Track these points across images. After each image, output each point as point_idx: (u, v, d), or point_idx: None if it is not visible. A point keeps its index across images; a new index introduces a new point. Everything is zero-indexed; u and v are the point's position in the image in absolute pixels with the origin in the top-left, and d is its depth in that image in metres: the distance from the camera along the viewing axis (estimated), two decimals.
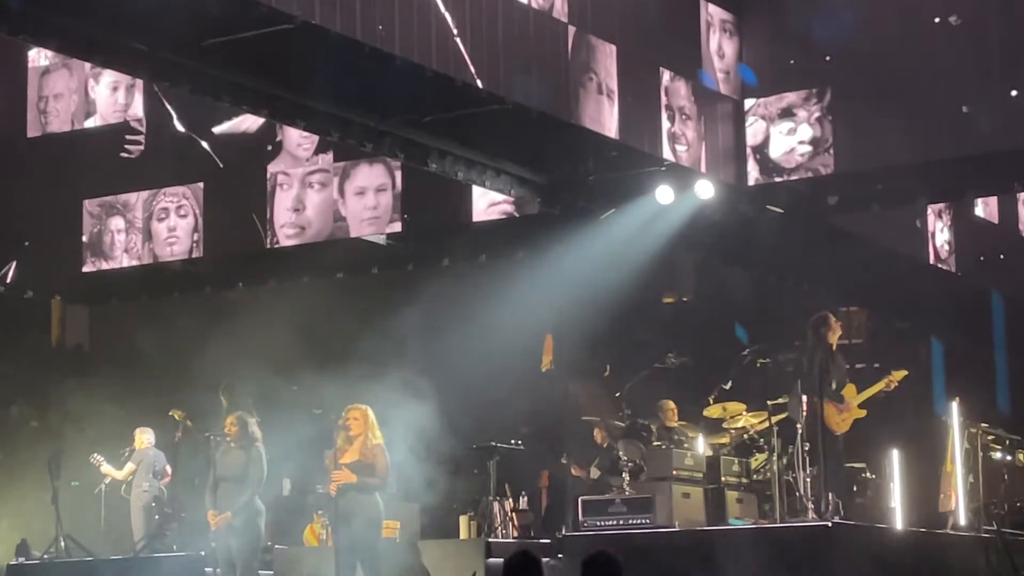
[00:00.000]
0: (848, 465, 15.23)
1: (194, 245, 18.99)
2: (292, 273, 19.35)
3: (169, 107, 18.65)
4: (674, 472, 14.69)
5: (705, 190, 16.67)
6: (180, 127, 18.62)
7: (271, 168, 18.64)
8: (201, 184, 18.97)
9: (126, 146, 18.97)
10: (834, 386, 14.77)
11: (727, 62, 17.23)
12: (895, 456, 15.44)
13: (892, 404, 15.66)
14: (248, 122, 18.37)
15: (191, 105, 17.97)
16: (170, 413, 18.41)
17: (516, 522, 16.25)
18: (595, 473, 16.42)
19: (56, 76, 19.09)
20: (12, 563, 16.86)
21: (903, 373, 15.25)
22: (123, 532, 18.21)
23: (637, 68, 16.28)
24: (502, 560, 13.90)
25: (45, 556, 17.17)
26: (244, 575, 13.95)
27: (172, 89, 14.97)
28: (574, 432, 17.22)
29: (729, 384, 15.94)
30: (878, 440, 15.71)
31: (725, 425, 16.08)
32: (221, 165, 18.63)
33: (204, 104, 16.19)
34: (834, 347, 14.95)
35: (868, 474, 15.69)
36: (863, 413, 14.90)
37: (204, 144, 18.62)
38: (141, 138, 18.92)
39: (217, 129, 18.59)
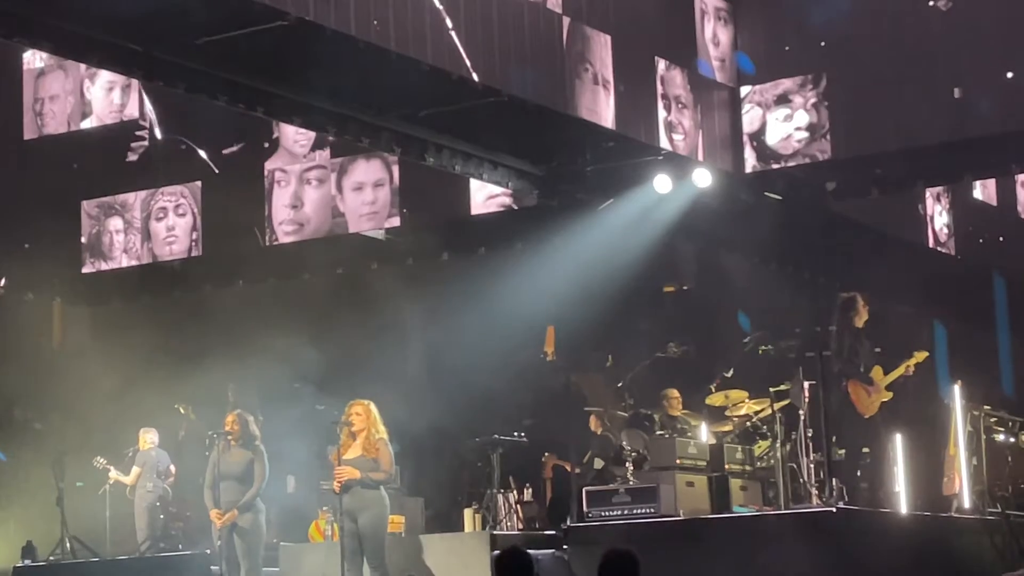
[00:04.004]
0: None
1: (193, 244, 18.99)
2: (291, 270, 19.35)
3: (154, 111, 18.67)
4: (677, 461, 14.70)
5: (703, 178, 16.67)
6: (175, 130, 18.61)
7: (268, 165, 18.63)
8: (199, 183, 18.97)
9: (131, 144, 18.96)
10: (862, 368, 14.89)
11: (722, 50, 17.22)
12: (899, 440, 15.45)
13: (896, 388, 15.68)
14: None
15: (185, 109, 17.95)
16: (175, 406, 18.48)
17: (521, 514, 16.26)
18: (598, 464, 16.43)
19: (51, 78, 19.07)
20: (18, 565, 16.88)
21: (924, 355, 15.30)
22: (128, 532, 18.24)
23: (632, 58, 16.27)
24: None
25: (51, 558, 17.20)
26: (250, 573, 13.97)
27: (166, 90, 14.91)
28: (577, 423, 17.22)
29: (731, 372, 15.96)
30: (882, 424, 15.72)
31: (728, 413, 16.09)
32: (216, 171, 18.63)
33: (198, 108, 16.19)
34: (860, 329, 15.04)
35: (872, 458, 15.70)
36: (890, 395, 14.99)
37: (201, 153, 18.62)
38: (145, 134, 18.90)
39: None
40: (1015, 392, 20.38)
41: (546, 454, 17.84)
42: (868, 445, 15.20)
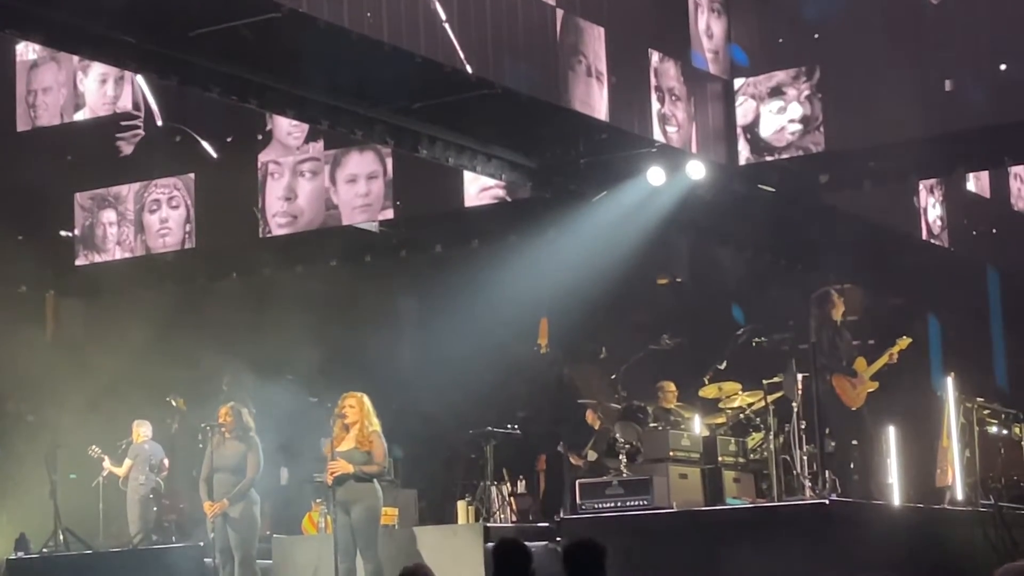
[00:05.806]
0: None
1: (186, 236, 18.98)
2: (285, 262, 19.34)
3: (152, 101, 18.65)
4: (671, 453, 14.68)
5: (696, 170, 16.67)
6: (170, 121, 18.58)
7: (262, 157, 18.63)
8: (192, 175, 18.97)
9: (122, 135, 18.93)
10: (844, 362, 14.93)
11: (716, 42, 17.23)
12: (892, 432, 15.46)
13: (889, 380, 15.69)
14: None
15: (181, 98, 17.94)
16: (167, 399, 18.46)
17: (514, 506, 16.23)
18: (592, 456, 16.42)
19: (44, 70, 19.04)
20: (11, 557, 16.87)
21: (907, 341, 15.34)
22: (122, 525, 18.23)
23: (626, 50, 16.27)
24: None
25: (44, 550, 17.18)
26: (243, 564, 13.97)
27: (160, 82, 14.91)
28: (571, 415, 17.21)
29: (724, 364, 15.93)
30: (875, 416, 15.73)
31: (721, 405, 16.07)
32: (215, 155, 18.61)
33: (194, 96, 16.18)
34: (839, 323, 15.10)
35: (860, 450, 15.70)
36: (875, 385, 15.03)
37: (205, 144, 18.60)
38: (139, 122, 18.87)
39: None
40: (1008, 384, 20.39)
41: (561, 444, 17.82)
42: (856, 437, 15.20)
